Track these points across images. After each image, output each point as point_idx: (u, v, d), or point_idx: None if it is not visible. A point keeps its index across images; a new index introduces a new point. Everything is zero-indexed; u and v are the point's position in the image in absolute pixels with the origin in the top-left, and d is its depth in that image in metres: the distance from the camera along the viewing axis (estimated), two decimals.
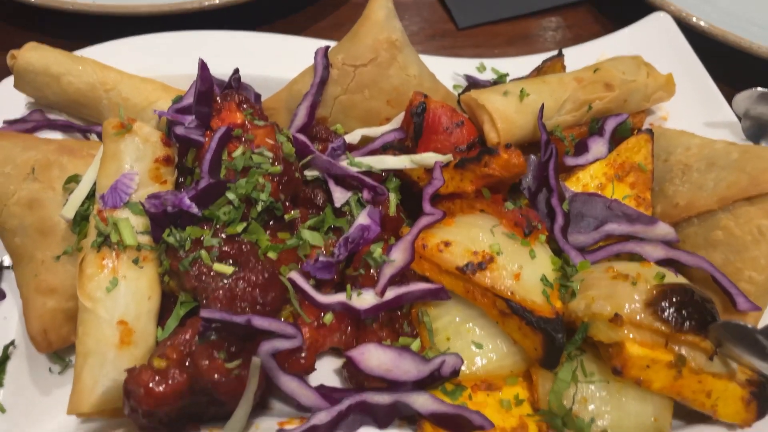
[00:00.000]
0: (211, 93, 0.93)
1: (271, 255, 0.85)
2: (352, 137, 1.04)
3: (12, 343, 0.84)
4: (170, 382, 0.73)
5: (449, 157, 0.93)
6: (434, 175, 0.92)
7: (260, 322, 0.77)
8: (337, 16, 1.50)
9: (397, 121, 1.05)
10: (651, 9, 1.34)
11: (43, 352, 0.83)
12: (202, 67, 0.92)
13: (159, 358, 0.75)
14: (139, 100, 1.05)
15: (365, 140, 1.05)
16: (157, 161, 0.88)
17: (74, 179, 0.88)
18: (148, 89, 1.06)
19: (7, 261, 0.91)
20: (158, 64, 1.15)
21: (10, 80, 1.14)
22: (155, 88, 1.07)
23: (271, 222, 0.90)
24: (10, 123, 1.06)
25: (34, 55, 1.02)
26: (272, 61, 1.19)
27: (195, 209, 0.83)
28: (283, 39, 1.24)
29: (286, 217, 0.90)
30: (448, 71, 1.22)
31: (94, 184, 0.86)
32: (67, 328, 0.84)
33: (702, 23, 1.33)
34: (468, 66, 1.24)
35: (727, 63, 1.31)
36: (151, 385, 0.72)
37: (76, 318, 0.83)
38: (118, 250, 0.81)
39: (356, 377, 0.82)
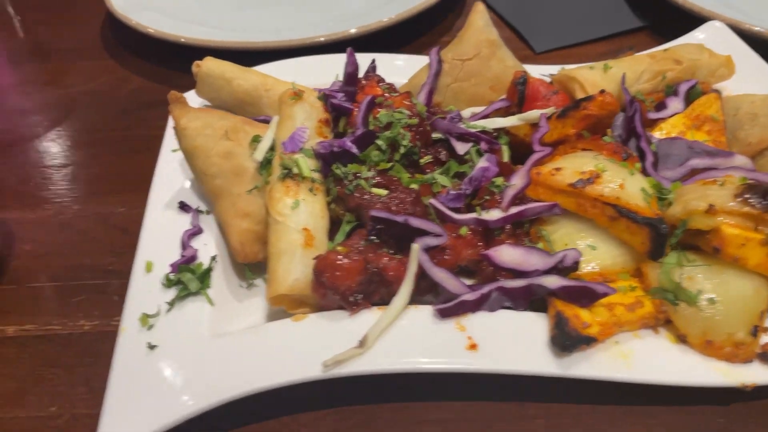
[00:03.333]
0: (357, 75, 1.19)
1: (414, 186, 1.06)
2: (464, 114, 1.27)
3: (215, 257, 1.06)
4: (351, 260, 0.92)
5: (552, 108, 1.14)
6: (540, 123, 1.12)
7: (415, 222, 0.97)
8: None
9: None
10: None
11: (240, 261, 1.04)
12: (350, 54, 1.18)
13: (341, 246, 0.95)
14: None
15: None
16: (320, 121, 1.12)
17: (257, 139, 1.13)
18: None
19: (202, 207, 1.15)
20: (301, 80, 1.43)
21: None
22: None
23: (408, 167, 1.12)
24: None
25: (213, 64, 1.31)
26: (398, 70, 1.44)
27: (355, 149, 1.06)
28: (405, 57, 1.50)
29: (421, 161, 1.12)
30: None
31: (273, 140, 1.11)
32: (256, 247, 1.05)
33: (756, 28, 1.55)
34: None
35: None
36: (337, 261, 0.92)
37: (263, 239, 1.05)
38: (298, 181, 1.04)
39: (489, 273, 0.99)
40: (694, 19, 1.62)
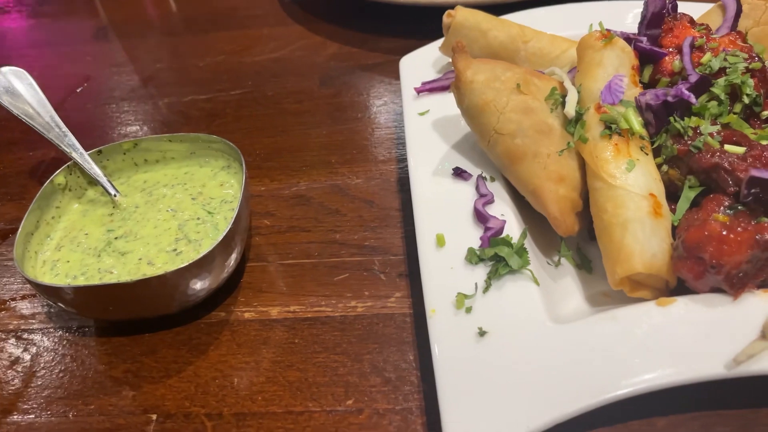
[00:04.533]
0: (662, 15, 1.00)
1: (765, 143, 0.86)
2: None
3: (525, 231, 0.90)
4: (739, 230, 0.74)
5: None
6: None
7: None
8: None
9: None
10: None
11: (561, 233, 0.88)
12: None
13: (718, 215, 0.77)
14: (552, 49, 1.14)
15: None
16: (633, 68, 0.94)
17: (555, 92, 0.96)
18: (559, 41, 1.16)
19: (485, 173, 0.99)
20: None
21: (408, 57, 1.31)
22: (565, 41, 1.16)
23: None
24: (427, 83, 1.20)
25: (467, 13, 1.16)
26: None
27: (693, 99, 0.87)
28: None
29: (763, 113, 0.91)
30: None
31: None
32: (573, 217, 0.89)
33: None
34: None
35: None
36: (723, 233, 0.73)
37: (578, 208, 0.89)
38: (627, 137, 0.86)
39: None
40: None
